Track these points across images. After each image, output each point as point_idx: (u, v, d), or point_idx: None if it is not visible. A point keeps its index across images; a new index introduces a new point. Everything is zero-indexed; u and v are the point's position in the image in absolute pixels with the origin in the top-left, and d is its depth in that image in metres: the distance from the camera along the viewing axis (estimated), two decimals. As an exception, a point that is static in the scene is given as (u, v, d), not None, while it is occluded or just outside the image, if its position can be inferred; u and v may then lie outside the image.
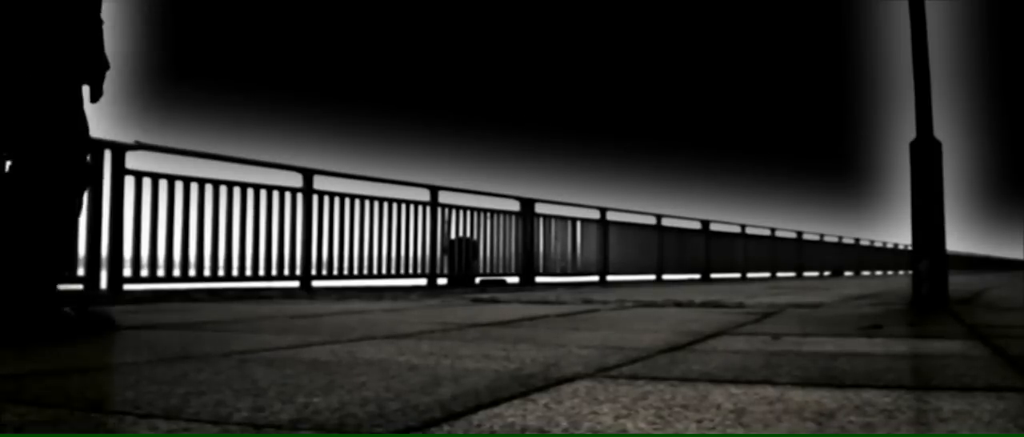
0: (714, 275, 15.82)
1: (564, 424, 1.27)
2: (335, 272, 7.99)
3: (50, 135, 2.73)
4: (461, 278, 9.56)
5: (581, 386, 1.66)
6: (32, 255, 2.64)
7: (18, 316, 2.57)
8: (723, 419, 1.32)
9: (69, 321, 2.67)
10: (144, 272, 6.30)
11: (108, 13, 2.98)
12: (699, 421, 1.31)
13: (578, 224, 12.01)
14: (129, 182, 6.09)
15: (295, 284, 7.49)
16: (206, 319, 3.32)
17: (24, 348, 2.24)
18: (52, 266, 2.72)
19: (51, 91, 2.76)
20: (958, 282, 10.54)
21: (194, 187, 6.53)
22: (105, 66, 2.93)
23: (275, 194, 7.34)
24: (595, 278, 12.20)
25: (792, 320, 3.72)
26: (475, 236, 9.94)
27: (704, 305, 4.98)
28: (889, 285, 10.68)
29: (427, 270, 9.14)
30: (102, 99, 2.94)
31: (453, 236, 9.59)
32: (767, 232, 19.11)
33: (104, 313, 2.91)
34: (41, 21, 2.73)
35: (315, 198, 7.73)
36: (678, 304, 5.09)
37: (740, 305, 4.99)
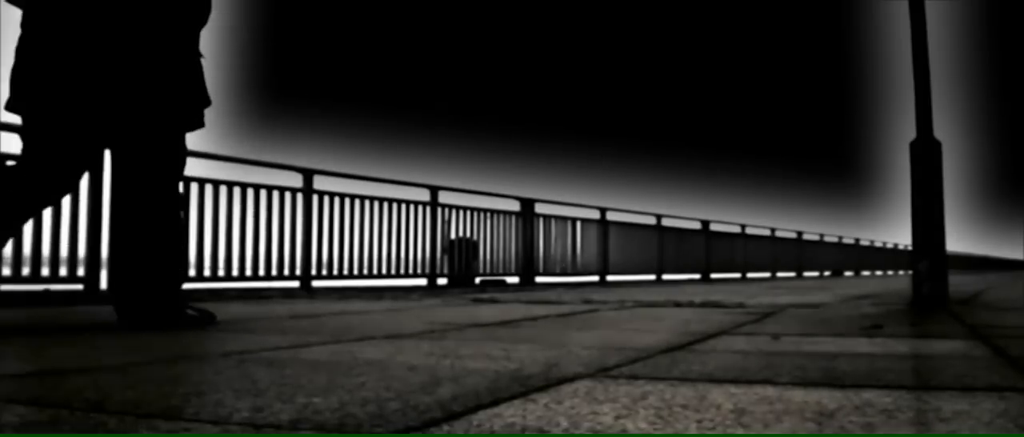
0: (714, 275, 15.81)
1: (564, 424, 1.27)
2: (335, 272, 7.98)
3: (163, 157, 3.04)
4: (461, 278, 9.55)
5: (581, 386, 1.66)
6: (160, 259, 3.00)
7: (154, 309, 2.96)
8: (723, 419, 1.32)
9: (190, 318, 3.06)
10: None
11: (207, 47, 3.11)
12: (699, 421, 1.31)
13: (578, 224, 12.01)
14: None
15: (295, 284, 7.49)
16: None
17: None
18: (175, 270, 3.10)
19: (162, 119, 3.01)
20: (958, 282, 10.54)
21: (194, 187, 6.53)
22: (206, 101, 3.12)
23: (275, 194, 7.33)
24: (595, 278, 12.20)
25: (792, 320, 3.72)
26: (475, 236, 9.93)
27: (704, 305, 4.98)
28: (889, 285, 10.68)
29: (427, 270, 9.14)
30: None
31: (453, 236, 9.58)
32: (767, 232, 19.10)
33: (206, 310, 3.22)
34: (148, 61, 2.92)
35: (315, 198, 7.72)
36: (678, 304, 5.09)
37: (740, 305, 4.99)
